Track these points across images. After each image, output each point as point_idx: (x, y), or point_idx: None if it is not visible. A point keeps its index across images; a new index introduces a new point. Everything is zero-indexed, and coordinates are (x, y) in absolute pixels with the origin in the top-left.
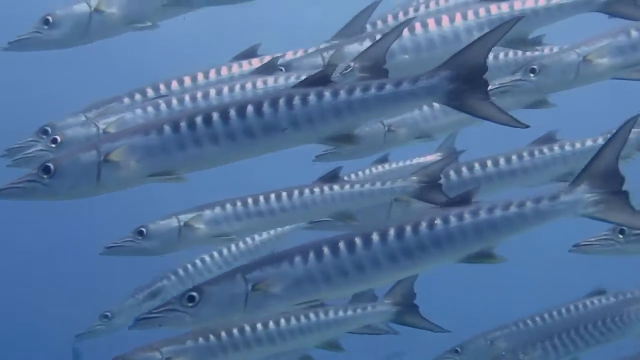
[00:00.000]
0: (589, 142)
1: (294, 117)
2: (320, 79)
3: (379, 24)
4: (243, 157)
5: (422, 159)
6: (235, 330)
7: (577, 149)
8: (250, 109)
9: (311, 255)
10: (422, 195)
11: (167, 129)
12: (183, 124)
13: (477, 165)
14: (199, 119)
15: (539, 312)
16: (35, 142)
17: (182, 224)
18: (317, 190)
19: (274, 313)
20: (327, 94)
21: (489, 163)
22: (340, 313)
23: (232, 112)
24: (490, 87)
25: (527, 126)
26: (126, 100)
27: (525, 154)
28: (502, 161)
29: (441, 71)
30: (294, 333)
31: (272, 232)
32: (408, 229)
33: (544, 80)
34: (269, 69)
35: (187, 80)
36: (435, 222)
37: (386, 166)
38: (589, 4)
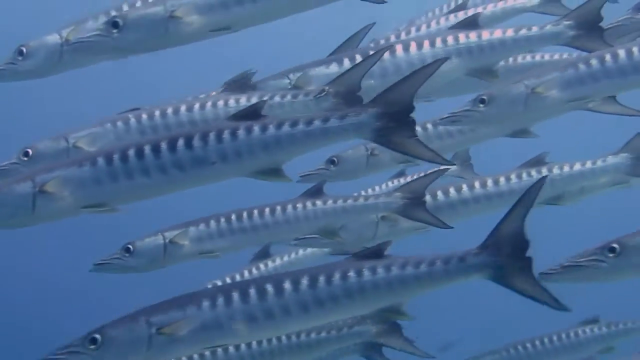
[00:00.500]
0: (577, 166)
1: (223, 151)
2: (252, 113)
3: (382, 42)
4: (174, 190)
5: None
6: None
7: (565, 172)
8: (180, 142)
9: (219, 299)
10: (405, 211)
11: (100, 161)
12: (116, 157)
13: (464, 187)
14: (131, 153)
15: (530, 338)
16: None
17: (167, 241)
18: (299, 206)
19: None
20: (256, 128)
21: (477, 185)
22: (313, 335)
23: (163, 146)
24: (442, 117)
25: (453, 164)
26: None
27: (513, 176)
28: (489, 183)
29: (369, 108)
30: (265, 356)
31: (300, 253)
32: (321, 279)
33: (492, 111)
34: (242, 86)
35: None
36: (349, 274)
37: (402, 180)
38: (556, 37)
